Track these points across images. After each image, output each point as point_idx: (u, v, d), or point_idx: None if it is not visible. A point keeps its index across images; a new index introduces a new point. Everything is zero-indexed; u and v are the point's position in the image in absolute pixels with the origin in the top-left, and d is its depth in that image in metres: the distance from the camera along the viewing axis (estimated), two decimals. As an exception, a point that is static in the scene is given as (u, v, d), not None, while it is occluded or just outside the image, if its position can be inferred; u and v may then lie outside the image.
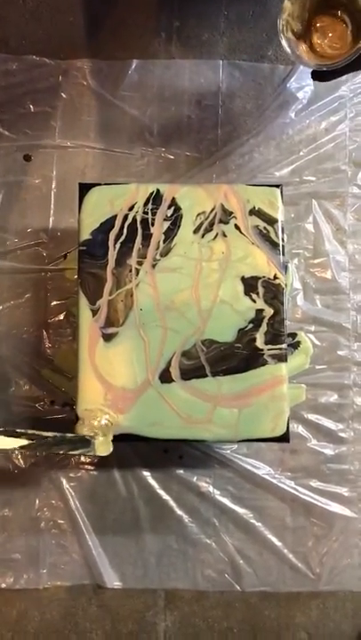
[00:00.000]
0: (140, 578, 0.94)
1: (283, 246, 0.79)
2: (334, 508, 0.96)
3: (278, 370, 0.77)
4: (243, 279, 0.78)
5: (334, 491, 0.96)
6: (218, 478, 0.96)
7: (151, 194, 0.79)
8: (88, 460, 0.96)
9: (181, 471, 0.96)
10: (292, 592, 0.95)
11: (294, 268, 0.99)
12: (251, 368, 0.77)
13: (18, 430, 0.72)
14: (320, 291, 0.99)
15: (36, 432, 0.72)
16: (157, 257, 0.78)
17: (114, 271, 0.77)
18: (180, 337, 0.77)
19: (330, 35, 0.84)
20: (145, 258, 0.78)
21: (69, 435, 0.73)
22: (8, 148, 1.02)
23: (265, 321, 0.77)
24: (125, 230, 0.78)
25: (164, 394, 0.76)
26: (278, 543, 0.95)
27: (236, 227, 0.79)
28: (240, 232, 0.79)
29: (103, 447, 0.74)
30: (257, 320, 0.77)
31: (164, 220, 0.79)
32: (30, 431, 0.72)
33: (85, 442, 0.73)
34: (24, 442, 0.72)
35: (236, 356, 0.77)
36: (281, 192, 0.80)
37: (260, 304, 0.78)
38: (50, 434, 0.72)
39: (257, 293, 0.78)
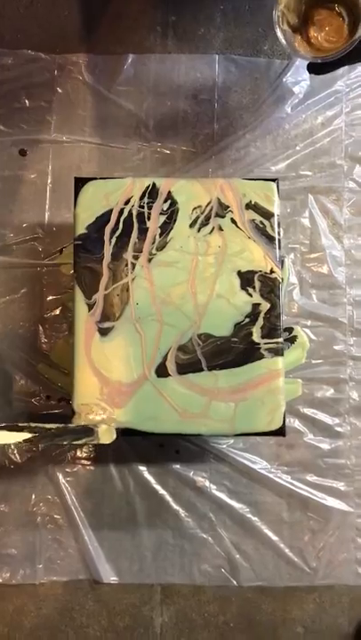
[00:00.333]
0: (136, 573, 0.94)
1: (279, 240, 0.79)
2: (331, 502, 0.96)
3: (275, 364, 0.76)
4: (239, 273, 0.78)
5: (331, 485, 0.96)
6: (214, 473, 0.96)
7: (147, 188, 0.79)
8: (84, 455, 0.96)
9: (178, 466, 0.96)
10: (289, 586, 0.95)
11: (291, 262, 0.99)
12: (247, 362, 0.77)
13: (20, 424, 0.72)
14: (316, 285, 0.99)
15: (39, 425, 0.72)
16: (153, 251, 0.78)
17: (110, 265, 0.77)
18: (176, 331, 0.77)
19: (326, 28, 0.84)
20: (141, 252, 0.78)
21: (72, 425, 0.73)
22: (3, 142, 1.02)
23: (261, 315, 0.77)
24: (121, 224, 0.78)
25: (160, 388, 0.76)
26: (275, 538, 0.95)
27: (233, 221, 0.79)
28: (236, 226, 0.79)
29: (106, 435, 0.74)
30: (253, 314, 0.77)
31: (160, 214, 0.79)
32: (33, 424, 0.72)
33: (89, 431, 0.73)
34: (27, 435, 0.71)
35: (232, 350, 0.77)
36: (277, 186, 0.80)
37: (257, 298, 0.77)
38: (52, 425, 0.72)
39: (253, 287, 0.78)
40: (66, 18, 1.04)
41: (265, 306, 0.77)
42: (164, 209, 0.79)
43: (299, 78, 1.02)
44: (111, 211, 0.78)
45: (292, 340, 0.98)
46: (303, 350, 0.98)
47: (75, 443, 0.73)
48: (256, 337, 0.77)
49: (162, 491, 0.95)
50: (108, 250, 0.77)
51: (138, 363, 0.76)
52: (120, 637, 0.94)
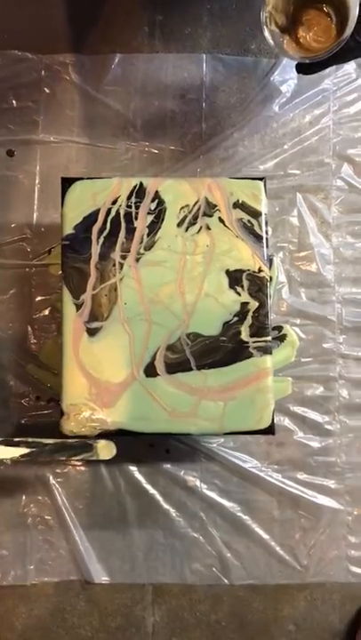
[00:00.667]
0: (127, 572, 0.94)
1: (267, 239, 0.79)
2: (321, 500, 0.96)
3: (263, 362, 0.77)
4: (227, 272, 0.78)
5: (321, 483, 0.96)
6: (205, 472, 0.96)
7: (134, 187, 0.79)
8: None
9: (168, 465, 0.96)
10: (280, 584, 0.95)
11: (279, 261, 1.00)
12: (236, 361, 0.77)
13: (16, 439, 0.72)
14: (305, 284, 1.00)
15: (36, 439, 0.72)
16: (141, 251, 0.78)
17: (97, 265, 0.77)
18: (164, 331, 0.77)
19: (315, 28, 0.84)
20: (129, 252, 0.78)
21: (70, 440, 0.73)
22: (-9, 143, 1.01)
23: (250, 314, 0.77)
24: (109, 224, 0.78)
25: (149, 388, 0.76)
26: (266, 536, 0.95)
27: (221, 220, 0.79)
28: (224, 225, 0.79)
29: (106, 451, 0.75)
30: (242, 313, 0.77)
31: (148, 213, 0.79)
32: (30, 439, 0.72)
33: (87, 446, 0.73)
34: (24, 450, 0.72)
35: (221, 350, 0.77)
36: (264, 185, 0.80)
37: (245, 297, 0.78)
38: (50, 440, 0.72)
39: (242, 286, 0.78)
40: (53, 18, 1.04)
41: (253, 305, 0.77)
42: (152, 208, 0.79)
43: (286, 77, 1.02)
44: (98, 211, 0.78)
45: (281, 338, 0.98)
46: (293, 349, 0.98)
47: (73, 459, 0.73)
48: (245, 336, 0.77)
49: (152, 490, 0.95)
50: (95, 250, 0.77)
51: (126, 363, 0.76)
52: (112, 637, 0.94)
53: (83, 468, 0.96)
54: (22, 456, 0.72)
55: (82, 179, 0.79)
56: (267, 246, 0.79)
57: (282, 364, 0.97)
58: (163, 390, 0.76)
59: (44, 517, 0.95)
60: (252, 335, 0.77)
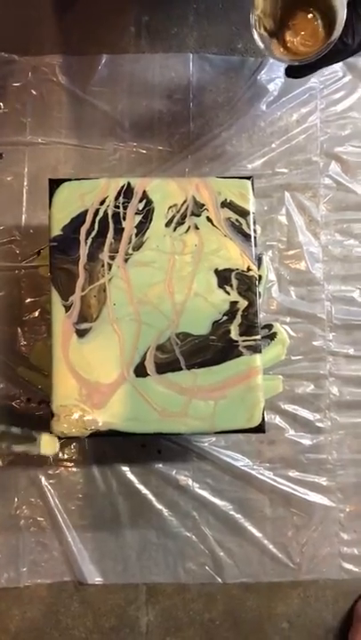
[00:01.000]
0: (120, 573, 0.94)
1: (255, 238, 0.79)
2: (313, 497, 0.96)
3: (253, 361, 0.77)
4: (216, 271, 0.78)
5: (313, 480, 0.97)
6: (197, 471, 0.96)
7: (122, 187, 0.79)
8: (66, 457, 0.96)
9: (160, 465, 0.96)
10: (273, 582, 0.95)
11: (269, 260, 1.00)
12: (226, 360, 0.77)
13: None
14: (294, 282, 1.00)
15: None
16: (130, 251, 0.78)
17: (86, 266, 0.77)
18: (154, 331, 0.77)
19: (302, 33, 0.84)
20: (117, 252, 0.77)
21: (14, 428, 0.73)
22: (-22, 146, 1.01)
23: (239, 313, 0.77)
24: (97, 225, 0.78)
25: (139, 388, 0.76)
26: (258, 534, 0.95)
27: (209, 219, 0.79)
28: (212, 224, 0.79)
29: (49, 446, 0.74)
30: (231, 312, 0.77)
31: (136, 213, 0.78)
32: None
33: (30, 438, 0.73)
34: None
35: (210, 349, 0.77)
36: (252, 184, 0.80)
37: (234, 296, 0.78)
38: None
39: (231, 285, 0.78)
40: (39, 19, 1.04)
41: (243, 303, 0.77)
42: (140, 208, 0.79)
43: (273, 76, 1.02)
44: (86, 211, 0.78)
45: (271, 336, 0.98)
46: (283, 347, 0.98)
47: (15, 449, 0.72)
48: (234, 335, 0.77)
49: (145, 490, 0.96)
50: (83, 251, 0.77)
51: (116, 363, 0.76)
52: (106, 638, 0.94)
53: (75, 469, 0.96)
54: None
55: (69, 180, 0.79)
56: (255, 245, 0.79)
57: (272, 362, 0.97)
58: (153, 390, 0.76)
59: (37, 519, 0.95)
60: (241, 334, 0.77)
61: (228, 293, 0.78)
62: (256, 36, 0.81)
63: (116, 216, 0.78)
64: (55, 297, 0.77)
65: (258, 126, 1.03)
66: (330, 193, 1.02)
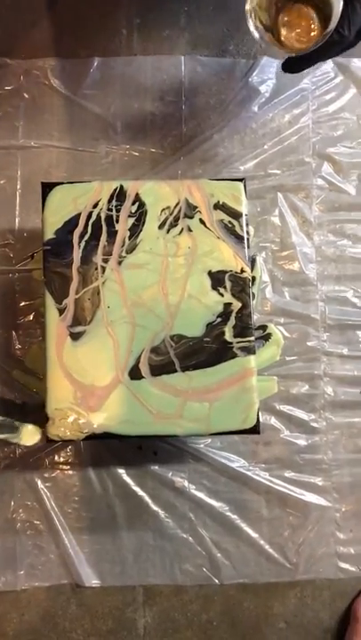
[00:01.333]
0: (118, 575, 0.94)
1: (248, 239, 0.79)
2: (309, 497, 0.96)
3: (247, 362, 0.77)
4: (210, 273, 0.78)
5: (308, 481, 0.97)
6: (193, 473, 0.96)
7: (115, 190, 0.79)
8: (62, 460, 0.96)
9: (156, 467, 0.96)
10: (270, 583, 0.95)
11: (262, 261, 1.00)
12: (220, 361, 0.77)
13: None
14: (288, 283, 1.00)
15: None
16: (123, 254, 0.78)
17: (79, 269, 0.77)
18: (148, 333, 0.77)
19: (297, 30, 0.84)
20: (111, 255, 0.78)
21: None
22: (-29, 149, 1.01)
23: (233, 314, 0.78)
24: (90, 228, 0.78)
25: (134, 391, 0.76)
26: (255, 535, 0.95)
27: (201, 221, 0.79)
28: (205, 226, 0.79)
29: (30, 436, 0.74)
30: (225, 314, 0.78)
31: (129, 216, 0.79)
32: None
33: (12, 427, 0.73)
34: None
35: (205, 351, 0.77)
36: (244, 186, 0.80)
37: (228, 298, 0.78)
38: None
39: (224, 287, 0.78)
40: (31, 23, 1.04)
41: (236, 305, 0.78)
42: (133, 211, 0.79)
43: (265, 77, 1.02)
44: (79, 215, 0.78)
45: (266, 337, 0.98)
46: (278, 347, 0.98)
47: None
48: (228, 336, 0.77)
49: (141, 492, 0.96)
50: (77, 254, 0.77)
51: (111, 366, 0.76)
52: (104, 640, 0.95)
53: (71, 472, 0.96)
54: None
55: (62, 183, 0.80)
56: (248, 247, 0.79)
57: (267, 363, 0.98)
58: (148, 392, 0.76)
59: (33, 522, 0.95)
60: (235, 335, 0.77)
61: (222, 295, 0.78)
62: (251, 27, 0.80)
63: (109, 219, 0.78)
64: (49, 300, 0.77)
65: (250, 128, 1.03)
66: (322, 194, 1.02)
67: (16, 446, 0.95)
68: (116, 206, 0.79)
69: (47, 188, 0.79)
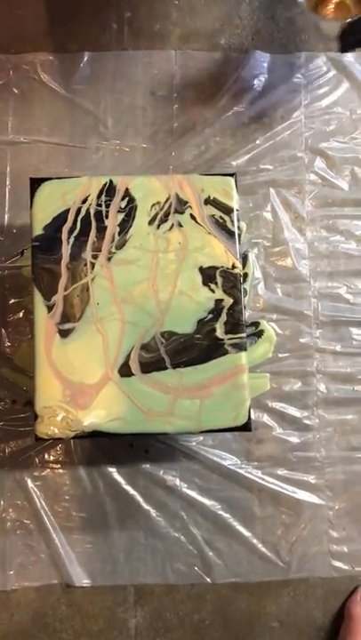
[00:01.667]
0: (109, 574, 0.93)
1: (239, 235, 0.78)
2: (302, 495, 0.96)
3: (239, 359, 0.76)
4: (201, 269, 0.77)
5: (301, 478, 0.96)
6: (184, 471, 0.95)
7: (104, 185, 0.78)
8: (52, 459, 0.95)
9: (147, 465, 0.95)
10: (263, 582, 0.95)
11: (254, 257, 0.99)
12: (211, 358, 0.76)
13: None
14: (281, 279, 0.99)
15: None
16: (113, 250, 0.77)
17: (68, 266, 0.76)
18: (138, 330, 0.76)
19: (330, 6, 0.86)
20: (100, 251, 0.77)
21: None
22: None
23: (224, 311, 0.77)
24: (79, 224, 0.77)
25: (124, 388, 0.75)
26: (247, 533, 0.95)
27: (192, 217, 0.78)
28: (196, 222, 0.78)
29: None
30: (216, 310, 0.77)
31: (119, 211, 0.78)
32: None
33: None
34: None
35: (196, 347, 0.76)
36: (235, 181, 0.79)
37: (219, 294, 0.77)
38: None
39: (215, 283, 0.77)
40: (20, 17, 1.03)
41: (228, 301, 0.77)
42: (122, 206, 0.78)
43: (257, 72, 1.02)
44: (68, 210, 0.77)
45: (258, 334, 0.97)
46: (270, 344, 0.97)
47: None
48: (220, 333, 0.76)
49: (132, 491, 0.95)
50: (66, 250, 0.76)
51: (100, 363, 0.75)
52: (95, 641, 0.94)
53: (61, 471, 0.95)
54: None
55: (50, 179, 0.78)
56: (240, 242, 0.78)
57: (260, 359, 0.97)
58: (138, 390, 0.75)
59: (24, 521, 0.94)
60: (227, 332, 0.76)
61: (213, 291, 0.77)
62: None
63: (98, 214, 0.77)
64: (37, 297, 0.76)
65: (242, 123, 1.02)
66: (315, 189, 1.01)
67: (5, 445, 0.94)
68: (105, 201, 0.78)
69: (35, 183, 0.78)
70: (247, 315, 0.95)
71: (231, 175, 0.80)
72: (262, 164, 1.02)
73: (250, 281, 0.98)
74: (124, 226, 0.78)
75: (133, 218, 0.78)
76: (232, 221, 0.78)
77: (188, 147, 1.01)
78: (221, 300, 0.77)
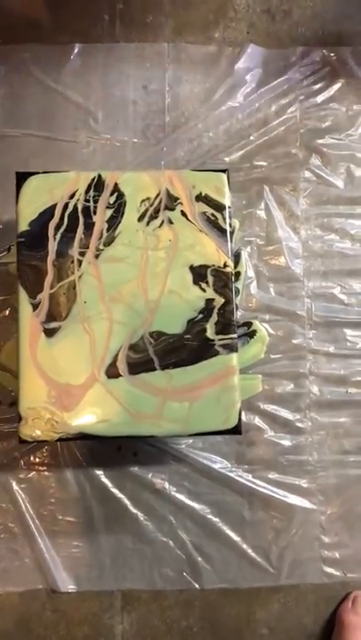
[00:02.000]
0: (95, 580, 0.92)
1: (231, 233, 0.76)
2: (293, 500, 0.94)
3: (229, 360, 0.74)
4: (191, 268, 0.75)
5: (293, 482, 0.94)
6: (173, 474, 0.93)
7: (93, 180, 0.76)
8: (38, 461, 0.93)
9: (136, 468, 0.93)
10: (253, 588, 0.93)
11: (247, 256, 0.97)
12: (201, 359, 0.74)
13: None
14: (274, 279, 0.98)
15: None
16: (101, 246, 0.75)
17: (55, 263, 0.74)
18: (126, 329, 0.74)
19: None
20: (88, 248, 0.75)
21: None
22: None
23: (215, 310, 0.75)
24: (66, 219, 0.75)
25: (111, 389, 0.73)
26: (237, 538, 0.93)
27: (183, 213, 0.76)
28: (187, 219, 0.76)
29: None
30: (207, 310, 0.75)
31: (107, 207, 0.76)
32: None
33: None
34: None
35: (185, 348, 0.74)
36: (228, 177, 0.77)
37: (210, 293, 0.75)
38: None
39: (206, 282, 0.75)
40: (10, 8, 1.01)
41: (219, 301, 0.75)
42: (111, 202, 0.76)
43: (251, 66, 1.00)
44: (55, 205, 0.75)
45: (251, 334, 0.95)
46: (263, 345, 0.95)
47: None
48: (210, 333, 0.74)
49: (120, 494, 0.93)
50: (52, 247, 0.74)
51: (87, 364, 0.73)
52: (80, 647, 0.92)
53: (47, 473, 0.93)
54: None
55: (37, 173, 0.76)
56: (232, 241, 0.76)
57: (252, 360, 0.95)
58: (125, 391, 0.73)
59: (8, 525, 0.92)
60: (217, 332, 0.74)
61: (204, 290, 0.75)
62: None
63: (86, 210, 0.75)
64: (22, 295, 0.74)
65: (235, 118, 1.00)
66: (310, 187, 1.00)
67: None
68: (93, 197, 0.76)
69: (22, 178, 0.76)
70: (239, 315, 0.93)
71: (223, 171, 0.78)
72: (256, 161, 1.00)
73: (242, 280, 0.96)
74: (113, 222, 0.76)
75: (122, 214, 0.76)
76: (224, 219, 0.76)
77: (180, 142, 0.99)
78: (212, 300, 0.75)
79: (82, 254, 0.74)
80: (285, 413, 0.95)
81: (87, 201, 0.76)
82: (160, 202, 0.76)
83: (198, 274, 0.75)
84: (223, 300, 0.75)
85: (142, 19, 1.02)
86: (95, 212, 0.75)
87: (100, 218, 0.75)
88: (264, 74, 1.00)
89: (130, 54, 1.01)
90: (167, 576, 0.92)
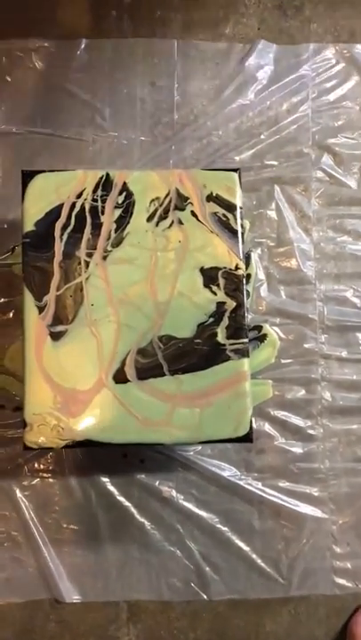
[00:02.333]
0: (100, 590, 0.90)
1: (243, 234, 0.74)
2: (304, 509, 0.92)
3: (241, 365, 0.72)
4: (202, 270, 0.73)
5: (304, 491, 0.92)
6: (181, 482, 0.92)
7: (101, 179, 0.74)
8: (42, 467, 0.91)
9: (143, 476, 0.91)
10: (262, 599, 0.91)
11: (258, 257, 0.95)
12: (212, 365, 0.72)
13: None
14: (285, 281, 0.96)
15: None
16: (109, 248, 0.73)
17: (61, 264, 0.72)
18: (135, 333, 0.72)
19: None
20: (95, 249, 0.73)
21: None
22: None
23: (226, 314, 0.73)
24: (73, 220, 0.73)
25: (119, 395, 0.71)
26: (246, 548, 0.91)
27: (193, 214, 0.74)
28: (197, 219, 0.74)
29: None
30: (218, 313, 0.73)
31: (115, 207, 0.73)
32: None
33: None
34: None
35: (196, 353, 0.72)
36: (239, 176, 0.75)
37: (221, 296, 0.73)
38: None
39: (217, 285, 0.73)
40: (15, 2, 0.99)
41: (230, 304, 0.73)
42: (120, 202, 0.74)
43: (262, 63, 0.99)
44: (62, 205, 0.73)
45: (261, 338, 0.94)
46: (273, 349, 0.94)
47: None
48: (221, 338, 0.72)
49: (126, 502, 0.91)
50: (59, 247, 0.72)
51: (94, 368, 0.71)
52: (84, 660, 0.90)
53: (51, 481, 0.91)
54: None
55: (44, 171, 0.74)
56: (243, 242, 0.74)
57: (262, 365, 0.93)
58: (134, 397, 0.71)
59: (11, 533, 0.91)
60: (228, 337, 0.72)
61: (215, 293, 0.73)
62: None
63: (93, 210, 0.73)
64: (28, 297, 0.72)
65: (246, 116, 0.99)
66: (322, 187, 0.98)
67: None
68: (101, 196, 0.74)
69: (28, 176, 0.74)
70: (249, 318, 0.91)
71: (235, 170, 0.75)
72: (267, 160, 0.98)
73: (253, 282, 0.94)
74: (121, 222, 0.73)
75: (131, 214, 0.74)
76: (235, 219, 0.74)
77: (188, 140, 0.97)
78: (223, 303, 0.73)
79: (89, 255, 0.72)
80: (296, 420, 0.93)
81: (95, 200, 0.73)
82: (170, 202, 0.74)
83: (209, 276, 0.73)
84: (235, 304, 0.73)
85: (151, 14, 1.00)
86: (103, 212, 0.73)
87: (108, 218, 0.73)
88: (275, 71, 0.99)
89: (138, 50, 0.99)
90: (174, 586, 0.90)
